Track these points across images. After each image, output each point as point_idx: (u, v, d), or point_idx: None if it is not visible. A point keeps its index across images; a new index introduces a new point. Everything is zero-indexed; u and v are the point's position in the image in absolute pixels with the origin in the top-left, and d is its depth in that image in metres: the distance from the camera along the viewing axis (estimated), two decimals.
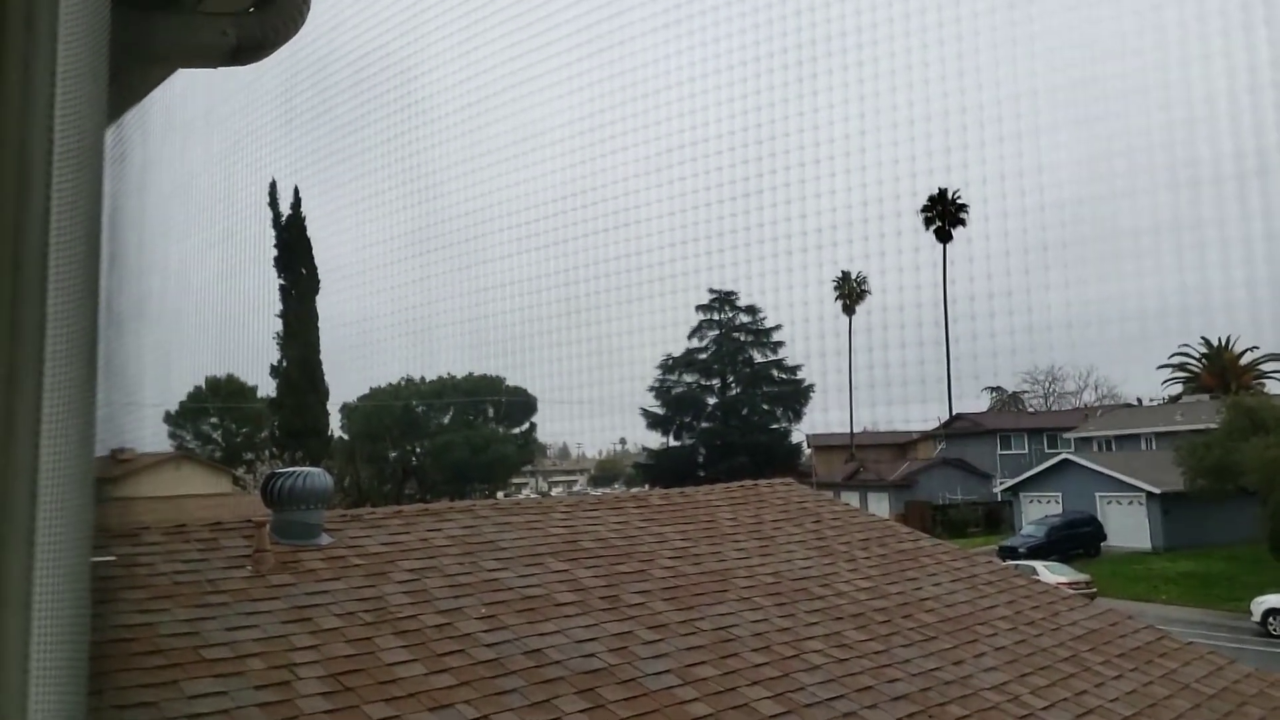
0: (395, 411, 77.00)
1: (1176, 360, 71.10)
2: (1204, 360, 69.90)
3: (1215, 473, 33.29)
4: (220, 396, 61.13)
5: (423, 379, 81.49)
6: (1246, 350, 67.73)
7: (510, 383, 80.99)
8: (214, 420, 64.87)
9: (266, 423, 57.97)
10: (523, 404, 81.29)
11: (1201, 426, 40.55)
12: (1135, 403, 68.62)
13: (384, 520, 6.80)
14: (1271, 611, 25.99)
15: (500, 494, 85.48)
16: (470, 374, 79.82)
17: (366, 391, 78.89)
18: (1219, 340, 68.89)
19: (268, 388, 53.91)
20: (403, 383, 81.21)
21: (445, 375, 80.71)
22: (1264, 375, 66.41)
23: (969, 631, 6.66)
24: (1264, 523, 29.61)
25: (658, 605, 6.04)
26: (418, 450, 79.82)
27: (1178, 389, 69.05)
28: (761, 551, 7.46)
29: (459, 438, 75.70)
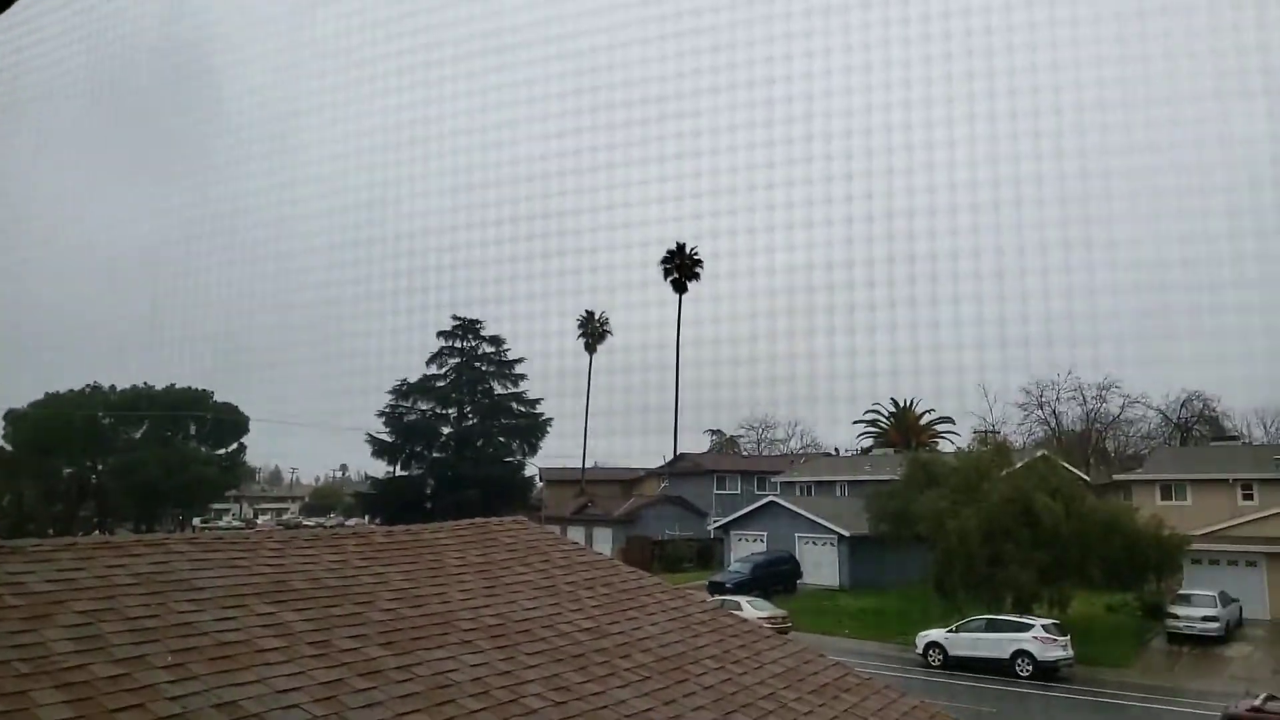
0: (76, 422, 67.94)
1: (869, 416, 78.83)
2: (891, 418, 77.87)
3: (895, 519, 37.14)
4: None
5: (113, 387, 72.69)
6: (925, 412, 76.43)
7: (220, 398, 74.11)
8: None
9: None
10: (232, 422, 74.57)
11: (886, 477, 45.12)
12: (833, 452, 75.03)
13: (53, 553, 5.90)
14: (931, 645, 29.19)
15: (197, 520, 77.63)
16: (173, 385, 72.03)
17: (41, 397, 69.17)
18: (905, 401, 77.23)
19: None
20: (88, 389, 71.96)
21: (141, 385, 72.38)
22: (938, 434, 75.20)
23: (681, 671, 6.84)
24: (932, 565, 33.32)
25: (373, 650, 5.69)
26: (99, 467, 70.80)
27: (869, 443, 76.34)
28: (488, 593, 7.28)
29: (151, 455, 67.85)
